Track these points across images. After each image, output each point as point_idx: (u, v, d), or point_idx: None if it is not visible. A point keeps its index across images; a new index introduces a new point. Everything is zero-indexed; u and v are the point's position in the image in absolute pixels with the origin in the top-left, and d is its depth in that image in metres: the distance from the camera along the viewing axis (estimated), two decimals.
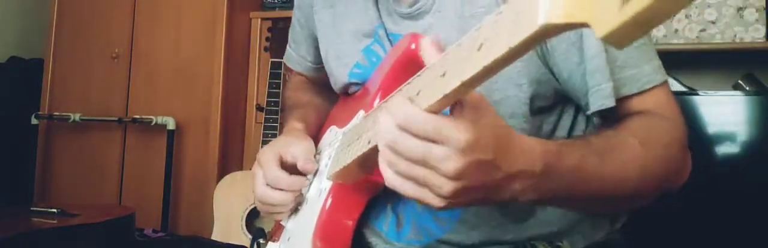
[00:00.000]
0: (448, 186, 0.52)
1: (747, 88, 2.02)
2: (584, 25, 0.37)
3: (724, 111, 1.81)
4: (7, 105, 2.71)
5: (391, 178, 0.55)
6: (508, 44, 0.42)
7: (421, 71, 0.57)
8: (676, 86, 2.02)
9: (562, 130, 0.83)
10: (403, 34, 0.86)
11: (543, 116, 0.81)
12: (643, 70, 0.74)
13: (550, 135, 0.82)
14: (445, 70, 0.50)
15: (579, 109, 0.83)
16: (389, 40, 0.89)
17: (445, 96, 0.49)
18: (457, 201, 0.55)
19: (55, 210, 1.96)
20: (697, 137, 1.76)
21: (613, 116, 0.74)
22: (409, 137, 0.52)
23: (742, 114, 1.80)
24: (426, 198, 0.55)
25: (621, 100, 0.73)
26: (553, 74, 0.77)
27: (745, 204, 1.74)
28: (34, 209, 1.99)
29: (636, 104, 0.74)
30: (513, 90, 0.77)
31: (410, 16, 0.86)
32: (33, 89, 2.76)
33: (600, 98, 0.72)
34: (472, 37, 0.49)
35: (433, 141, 0.51)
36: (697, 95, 1.82)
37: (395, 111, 0.53)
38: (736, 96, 1.84)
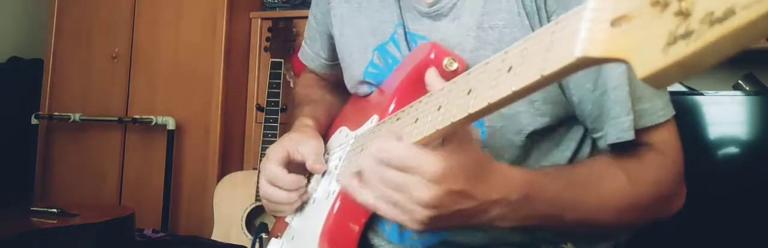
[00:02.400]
0: (423, 213, 0.57)
1: (747, 88, 2.02)
2: (623, 61, 0.35)
3: (725, 111, 1.81)
4: (7, 105, 2.71)
5: (370, 200, 0.60)
6: (540, 72, 0.42)
7: (445, 85, 0.60)
8: (676, 85, 2.02)
9: (570, 142, 0.82)
10: (421, 35, 0.85)
11: (551, 133, 0.81)
12: (656, 104, 0.74)
13: (555, 152, 0.82)
14: (471, 87, 0.52)
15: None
16: (407, 40, 0.88)
17: (470, 115, 0.51)
18: (434, 226, 0.59)
19: (55, 210, 1.95)
20: (697, 138, 1.76)
21: (620, 146, 0.74)
22: (389, 168, 0.57)
23: (742, 114, 1.80)
24: (404, 221, 0.59)
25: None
26: (564, 95, 0.77)
27: (745, 204, 1.74)
28: (34, 209, 1.99)
29: (643, 137, 0.74)
30: (525, 106, 0.77)
31: (429, 16, 0.85)
32: (33, 89, 2.76)
33: (619, 131, 0.72)
34: (499, 58, 0.50)
35: (409, 172, 0.56)
36: (698, 95, 1.82)
37: (379, 145, 0.58)
38: (737, 96, 1.84)
